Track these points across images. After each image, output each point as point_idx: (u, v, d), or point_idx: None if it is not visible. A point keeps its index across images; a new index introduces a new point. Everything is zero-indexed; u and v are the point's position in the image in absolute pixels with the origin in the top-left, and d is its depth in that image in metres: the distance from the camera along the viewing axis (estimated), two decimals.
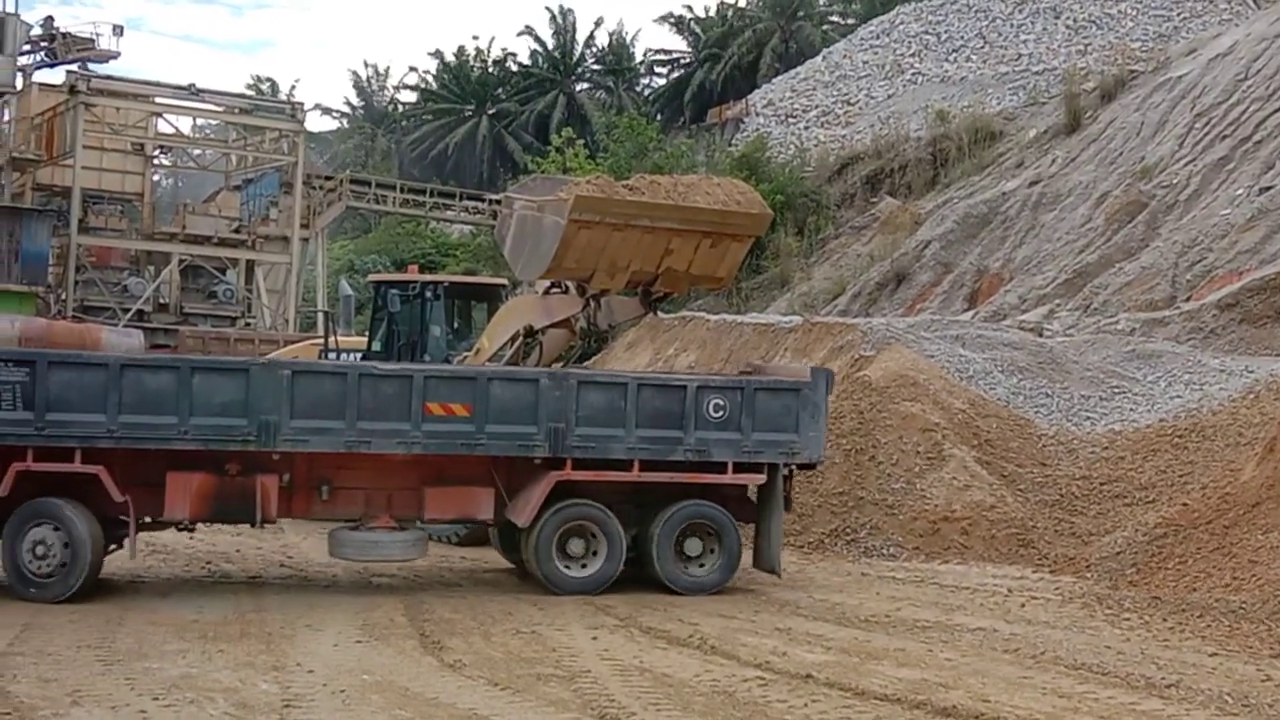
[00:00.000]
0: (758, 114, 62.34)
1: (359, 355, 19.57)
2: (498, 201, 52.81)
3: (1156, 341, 24.57)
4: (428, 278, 20.62)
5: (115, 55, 50.82)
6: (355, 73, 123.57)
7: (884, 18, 66.28)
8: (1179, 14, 56.29)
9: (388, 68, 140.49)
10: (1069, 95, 43.58)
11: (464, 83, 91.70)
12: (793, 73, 66.26)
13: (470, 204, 53.82)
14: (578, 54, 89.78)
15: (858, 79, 61.69)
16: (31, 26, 48.64)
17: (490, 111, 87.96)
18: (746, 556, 15.55)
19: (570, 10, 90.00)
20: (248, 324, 45.78)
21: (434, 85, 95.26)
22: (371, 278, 23.14)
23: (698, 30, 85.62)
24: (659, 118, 70.57)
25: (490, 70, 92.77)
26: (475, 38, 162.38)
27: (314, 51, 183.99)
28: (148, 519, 14.00)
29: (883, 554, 17.79)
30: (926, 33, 62.15)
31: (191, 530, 15.03)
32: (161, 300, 45.74)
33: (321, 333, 20.48)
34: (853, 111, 59.31)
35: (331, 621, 12.78)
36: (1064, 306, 29.85)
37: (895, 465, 18.98)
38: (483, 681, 10.59)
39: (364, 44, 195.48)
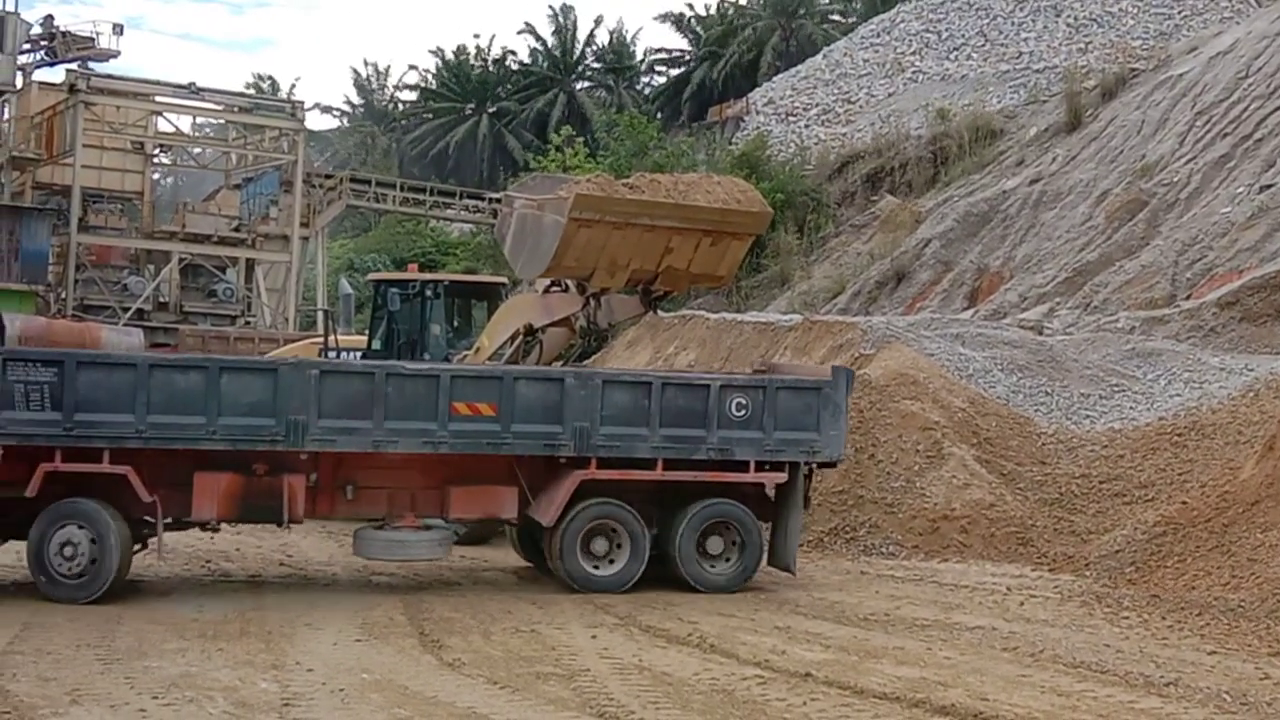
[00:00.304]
0: (758, 112, 62.24)
1: (359, 354, 19.59)
2: (498, 200, 52.80)
3: (1156, 340, 24.55)
4: (427, 276, 20.65)
5: (115, 54, 50.98)
6: (355, 71, 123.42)
7: (884, 16, 66.18)
8: (1180, 12, 56.20)
9: (388, 66, 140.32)
10: (1070, 93, 43.52)
11: (464, 81, 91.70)
12: (793, 71, 66.17)
13: (470, 203, 53.88)
14: (578, 52, 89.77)
15: (858, 77, 61.59)
16: (31, 25, 48.76)
17: (490, 110, 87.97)
18: None
19: (571, 8, 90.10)
20: (248, 323, 45.84)
21: (434, 84, 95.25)
22: (371, 276, 23.16)
23: (698, 29, 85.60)
24: (659, 116, 70.51)
25: (490, 69, 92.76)
26: (476, 36, 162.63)
27: (314, 50, 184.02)
28: (175, 519, 14.01)
29: (882, 552, 17.80)
30: (927, 31, 62.06)
31: (216, 530, 15.03)
32: (161, 299, 45.79)
33: (321, 331, 20.49)
34: (853, 110, 59.23)
35: (331, 620, 12.79)
36: (1064, 305, 29.84)
37: (895, 464, 18.98)
38: (482, 680, 10.59)
39: (364, 42, 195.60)
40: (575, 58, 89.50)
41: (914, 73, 59.70)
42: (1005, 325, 26.56)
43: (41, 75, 49.63)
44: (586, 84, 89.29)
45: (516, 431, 14.30)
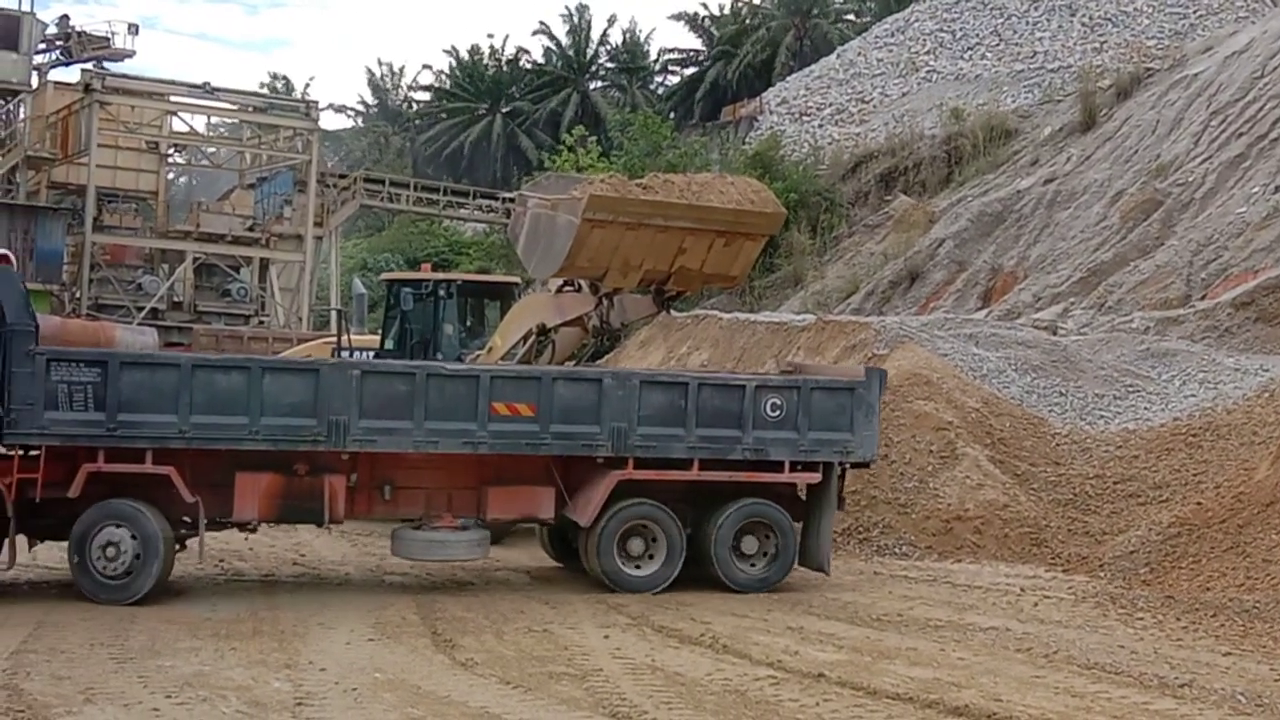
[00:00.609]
0: (771, 112, 62.18)
1: (372, 354, 19.61)
2: (511, 200, 52.86)
3: (1171, 340, 24.47)
4: (441, 276, 20.68)
5: (130, 54, 51.08)
6: (370, 71, 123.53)
7: (899, 15, 66.08)
8: (1195, 11, 56.01)
9: (402, 66, 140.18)
10: (1084, 93, 43.37)
11: (478, 81, 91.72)
12: (807, 71, 66.09)
13: (484, 202, 53.89)
14: (592, 52, 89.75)
15: (872, 77, 61.50)
16: (47, 25, 48.90)
17: (504, 110, 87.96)
18: None
19: (586, 8, 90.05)
20: (261, 322, 45.92)
21: (448, 83, 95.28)
22: (384, 276, 23.18)
23: (712, 28, 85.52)
24: (672, 116, 70.47)
25: (504, 69, 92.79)
26: (490, 36, 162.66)
27: (329, 50, 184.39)
28: (215, 520, 14.02)
29: (895, 553, 17.77)
30: (941, 30, 61.94)
31: (254, 530, 15.05)
32: (176, 298, 45.88)
33: (335, 331, 20.52)
34: (867, 109, 59.14)
35: (344, 619, 12.81)
36: (1078, 305, 29.75)
37: (908, 464, 18.95)
38: (495, 680, 10.60)
39: (379, 42, 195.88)
40: (589, 57, 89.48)
41: (928, 72, 59.60)
42: (1019, 325, 26.49)
43: (57, 75, 49.89)
44: (600, 84, 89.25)
45: (555, 432, 14.37)
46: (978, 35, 60.57)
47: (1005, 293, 33.59)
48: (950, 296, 35.10)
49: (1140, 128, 37.91)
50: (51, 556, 14.66)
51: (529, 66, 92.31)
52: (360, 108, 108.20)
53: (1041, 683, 10.93)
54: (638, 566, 14.85)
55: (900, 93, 58.98)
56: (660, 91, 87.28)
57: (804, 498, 15.63)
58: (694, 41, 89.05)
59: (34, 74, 47.40)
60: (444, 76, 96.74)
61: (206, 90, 47.30)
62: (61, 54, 49.81)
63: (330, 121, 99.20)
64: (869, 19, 76.24)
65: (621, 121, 56.99)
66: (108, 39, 50.43)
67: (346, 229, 60.41)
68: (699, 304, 37.29)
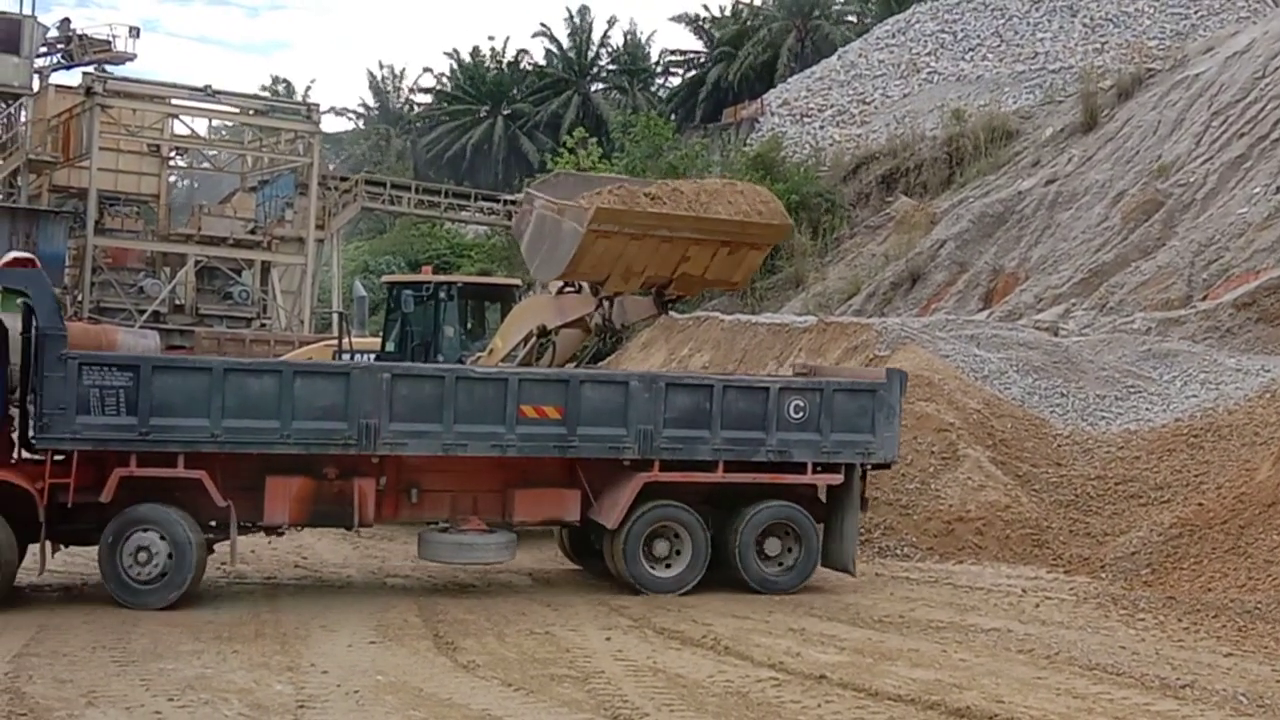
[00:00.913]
0: (773, 113, 62.21)
1: (373, 356, 19.61)
2: (512, 202, 53.01)
3: (1172, 341, 24.47)
4: (442, 278, 20.68)
5: (131, 57, 51.18)
6: (371, 74, 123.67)
7: (900, 16, 66.10)
8: (1196, 12, 56.04)
9: (403, 69, 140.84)
10: (1085, 94, 43.38)
11: (479, 83, 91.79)
12: (808, 72, 66.11)
13: (485, 205, 54.01)
14: (593, 54, 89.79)
15: (873, 78, 61.52)
16: (48, 29, 48.99)
17: (505, 112, 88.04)
18: None
19: (587, 9, 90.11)
20: (263, 325, 45.97)
21: (449, 86, 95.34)
22: (386, 279, 23.20)
23: (712, 30, 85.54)
24: (674, 117, 70.50)
25: (505, 71, 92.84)
26: (490, 38, 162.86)
27: (329, 53, 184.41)
28: (244, 524, 14.01)
29: (897, 554, 17.78)
30: (942, 31, 61.97)
31: (281, 534, 15.06)
32: (177, 301, 45.96)
33: (336, 334, 20.53)
34: (868, 111, 59.18)
35: (346, 622, 12.81)
36: (1079, 306, 29.75)
37: (910, 465, 18.93)
38: (496, 682, 10.60)
39: (379, 45, 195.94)
40: (590, 59, 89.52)
41: (929, 73, 59.64)
42: (1020, 326, 26.49)
43: (58, 78, 49.91)
44: (601, 86, 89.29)
45: (582, 435, 14.40)
46: (979, 36, 60.60)
47: (1006, 294, 33.59)
48: (951, 298, 35.10)
49: (1141, 128, 37.92)
50: (55, 561, 14.64)
51: (530, 69, 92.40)
52: (361, 110, 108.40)
53: (1043, 684, 10.93)
54: (659, 568, 14.90)
55: (901, 94, 59.02)
56: (662, 94, 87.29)
57: (824, 499, 15.69)
58: (695, 43, 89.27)
59: (35, 77, 47.47)
60: (445, 79, 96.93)
61: (208, 93, 47.39)
62: (63, 57, 49.86)
63: (331, 124, 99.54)
64: (870, 20, 76.23)
65: (623, 123, 57.01)
66: (109, 42, 50.49)
67: (348, 232, 60.46)
68: (700, 305, 37.30)
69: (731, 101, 72.33)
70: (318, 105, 52.25)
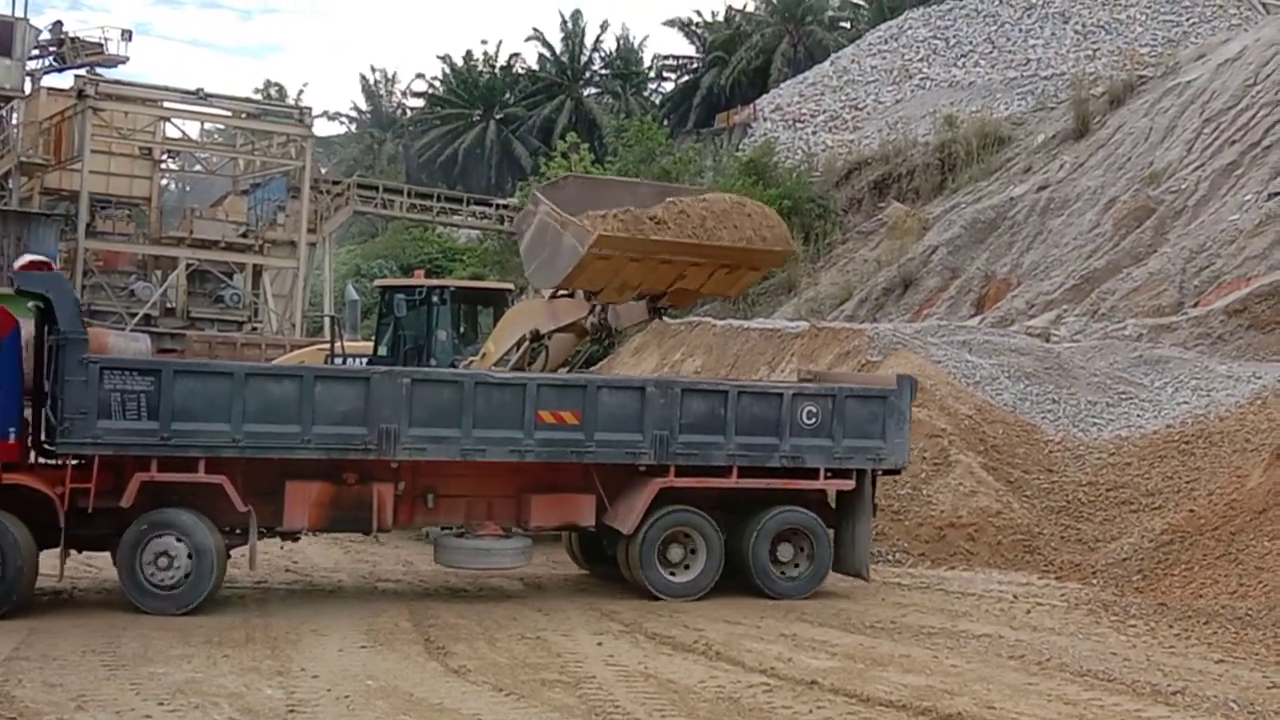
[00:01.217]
0: (765, 119, 62.31)
1: (365, 360, 19.59)
2: (504, 206, 53.12)
3: (1164, 347, 24.51)
4: (434, 282, 20.66)
5: (123, 60, 51.02)
6: (363, 77, 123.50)
7: (892, 22, 66.26)
8: (1188, 19, 56.20)
9: (395, 73, 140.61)
10: (1077, 100, 43.46)
11: (472, 88, 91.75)
12: (800, 78, 66.23)
13: (477, 209, 54.03)
14: (585, 59, 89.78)
15: (866, 84, 61.64)
16: (40, 31, 48.84)
17: (498, 116, 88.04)
18: None
19: (580, 14, 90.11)
20: (254, 329, 45.92)
21: (442, 90, 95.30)
22: (378, 282, 23.19)
23: (705, 35, 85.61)
24: (666, 122, 70.56)
25: (498, 75, 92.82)
26: (483, 42, 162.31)
27: (322, 56, 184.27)
28: (264, 529, 13.99)
29: (889, 560, 17.77)
30: (935, 38, 62.11)
31: (296, 540, 15.04)
32: (168, 305, 45.88)
33: (328, 337, 20.50)
34: (860, 116, 59.27)
35: (336, 627, 12.79)
36: (1071, 312, 29.78)
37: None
38: (487, 687, 10.59)
39: (372, 49, 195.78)
40: (583, 64, 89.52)
41: (921, 79, 59.74)
42: (1012, 332, 26.53)
43: (50, 81, 49.72)
44: (594, 90, 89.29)
45: (599, 440, 14.44)
46: (971, 43, 60.73)
47: (998, 300, 33.63)
48: (943, 303, 35.13)
49: (1133, 135, 37.99)
50: (47, 564, 14.59)
51: (523, 73, 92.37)
52: (354, 114, 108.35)
53: (1034, 690, 10.93)
54: (673, 573, 14.93)
55: (894, 100, 59.12)
56: (655, 99, 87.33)
57: (834, 505, 15.76)
58: (688, 48, 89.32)
59: (27, 80, 47.38)
60: (438, 83, 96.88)
61: (200, 96, 47.30)
62: (55, 60, 49.74)
63: (323, 128, 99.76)
64: (863, 26, 76.38)
65: (617, 127, 57.03)
66: (101, 45, 50.35)
67: (340, 235, 60.37)
68: (692, 311, 37.24)
69: (724, 106, 72.44)
70: (310, 109, 52.22)
